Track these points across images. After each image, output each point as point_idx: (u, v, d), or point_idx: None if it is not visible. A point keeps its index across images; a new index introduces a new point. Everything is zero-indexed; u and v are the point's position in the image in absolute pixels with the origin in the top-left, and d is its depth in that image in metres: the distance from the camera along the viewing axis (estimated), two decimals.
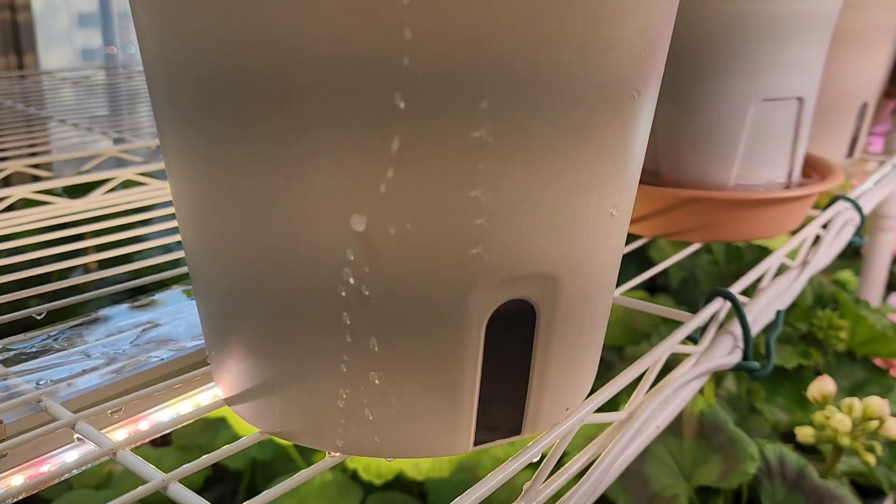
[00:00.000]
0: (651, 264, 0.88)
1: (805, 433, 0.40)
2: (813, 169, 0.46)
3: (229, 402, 0.23)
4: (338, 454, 0.22)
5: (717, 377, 0.60)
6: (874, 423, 0.39)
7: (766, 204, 0.40)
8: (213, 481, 0.56)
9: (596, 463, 0.23)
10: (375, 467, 0.43)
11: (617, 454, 0.24)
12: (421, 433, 0.21)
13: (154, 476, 0.21)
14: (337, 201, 0.18)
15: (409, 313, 0.19)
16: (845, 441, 0.39)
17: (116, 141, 0.60)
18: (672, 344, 0.29)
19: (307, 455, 0.53)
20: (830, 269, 0.88)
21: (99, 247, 0.39)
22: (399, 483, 0.45)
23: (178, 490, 0.20)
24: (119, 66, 1.09)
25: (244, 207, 0.19)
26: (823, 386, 0.41)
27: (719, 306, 0.33)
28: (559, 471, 0.23)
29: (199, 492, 0.58)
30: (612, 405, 0.28)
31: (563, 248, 0.20)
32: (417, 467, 0.43)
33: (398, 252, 0.18)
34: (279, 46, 0.16)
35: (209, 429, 0.58)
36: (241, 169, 0.18)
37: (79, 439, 0.23)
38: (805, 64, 0.40)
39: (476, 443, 0.21)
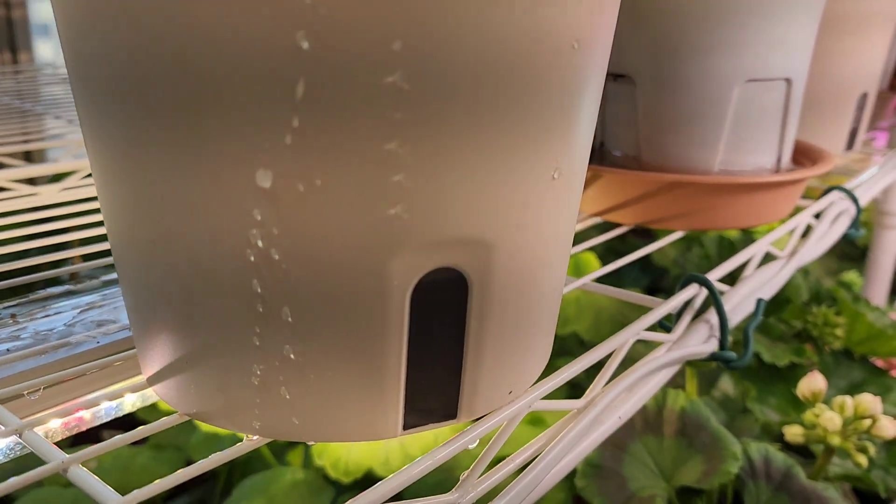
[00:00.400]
0: (654, 268, 0.86)
1: (793, 432, 0.38)
2: (805, 157, 0.44)
3: (150, 382, 0.22)
4: (255, 438, 0.20)
5: (712, 377, 0.57)
6: (866, 422, 0.37)
7: (752, 189, 0.38)
8: (187, 482, 0.54)
9: (542, 454, 0.22)
10: (343, 465, 0.41)
11: (568, 445, 0.22)
12: (343, 415, 0.19)
13: (56, 457, 0.19)
14: (240, 155, 0.16)
15: (323, 280, 0.17)
16: (835, 440, 0.37)
17: None
18: (639, 329, 0.27)
19: (282, 454, 0.51)
20: (835, 270, 0.85)
21: (55, 231, 0.37)
22: (371, 482, 0.43)
23: (79, 473, 0.19)
24: None
25: (148, 168, 0.17)
26: (813, 382, 0.39)
27: (694, 293, 0.31)
28: (503, 462, 0.21)
29: (173, 494, 0.56)
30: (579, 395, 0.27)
31: (494, 212, 0.18)
32: (387, 465, 0.42)
33: (309, 211, 0.17)
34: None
35: (186, 428, 0.56)
36: (143, 130, 0.17)
37: None
38: (793, 43, 0.38)
39: (406, 427, 0.20)
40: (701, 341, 0.30)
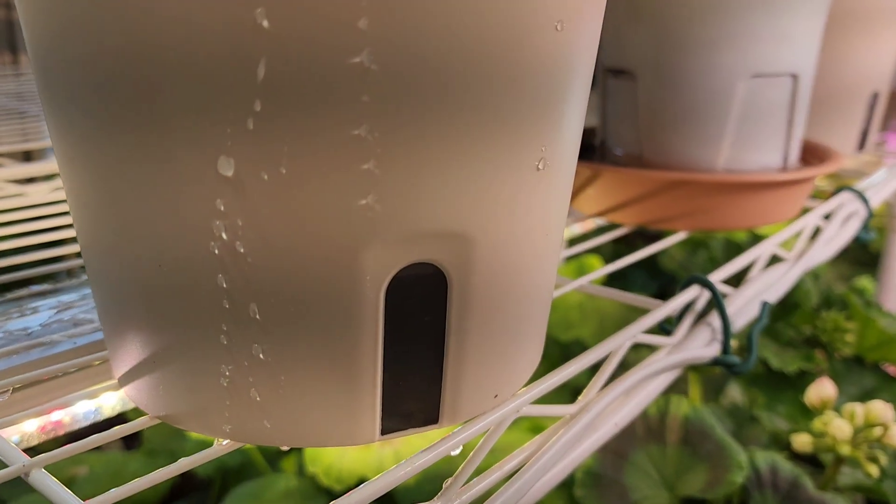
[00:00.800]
0: (662, 273, 0.84)
1: (802, 441, 0.37)
2: (813, 156, 0.43)
3: (121, 383, 0.21)
4: (226, 442, 0.19)
5: (719, 385, 0.56)
6: (878, 431, 0.36)
7: (757, 188, 0.36)
8: (179, 489, 0.54)
9: (531, 461, 0.20)
10: (336, 472, 0.40)
11: (559, 452, 0.21)
12: (316, 418, 0.18)
13: (17, 460, 0.18)
14: (201, 141, 0.15)
15: (291, 275, 0.16)
16: (845, 449, 0.35)
17: None
18: (636, 331, 0.26)
19: (275, 461, 0.50)
20: (847, 276, 0.84)
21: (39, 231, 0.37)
22: None
23: (40, 477, 0.18)
24: None
25: (108, 160, 0.16)
26: (822, 389, 0.38)
27: (696, 294, 0.30)
28: (490, 469, 0.20)
29: (165, 501, 0.55)
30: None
31: (473, 204, 0.17)
32: (381, 472, 0.40)
33: (274, 201, 0.16)
34: None
35: (180, 434, 0.55)
36: (101, 119, 0.16)
37: None
38: (799, 37, 0.37)
39: (384, 431, 0.19)
40: (703, 345, 0.29)
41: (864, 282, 0.80)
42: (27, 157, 0.67)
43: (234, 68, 0.14)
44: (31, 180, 0.45)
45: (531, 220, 0.19)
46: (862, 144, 0.57)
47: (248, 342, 0.17)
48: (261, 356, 0.17)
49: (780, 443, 0.43)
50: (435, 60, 0.15)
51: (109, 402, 0.26)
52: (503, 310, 0.19)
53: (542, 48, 0.17)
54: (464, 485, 0.19)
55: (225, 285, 0.17)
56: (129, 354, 0.19)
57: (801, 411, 0.45)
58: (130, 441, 0.63)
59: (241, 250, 0.16)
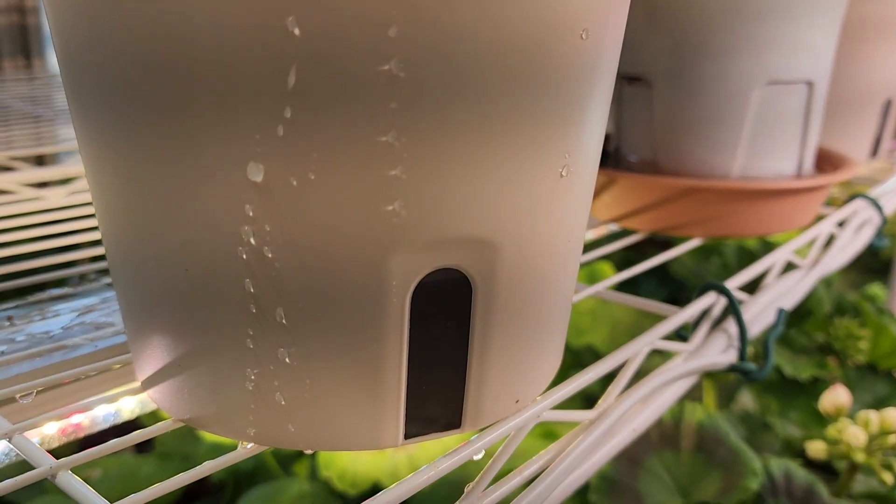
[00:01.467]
0: (672, 280, 0.84)
1: (816, 448, 0.37)
2: (828, 164, 0.43)
3: (144, 386, 0.21)
4: (250, 445, 0.19)
5: (731, 391, 0.56)
6: (892, 438, 0.35)
7: (772, 195, 0.36)
8: (192, 492, 0.54)
9: (551, 466, 0.20)
10: (350, 477, 0.40)
11: (579, 457, 0.21)
12: (341, 422, 0.18)
13: (44, 462, 0.18)
14: (231, 147, 0.15)
15: (318, 280, 0.16)
16: (860, 457, 0.35)
17: None
18: (654, 338, 0.26)
19: (288, 465, 0.50)
20: (858, 283, 0.83)
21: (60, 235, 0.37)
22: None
23: (67, 479, 0.18)
24: None
25: (138, 166, 0.17)
26: (836, 397, 0.38)
27: (712, 301, 0.30)
28: (510, 473, 0.20)
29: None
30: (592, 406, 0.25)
31: (498, 210, 0.17)
32: (395, 476, 0.41)
33: (302, 206, 0.16)
34: None
35: (193, 437, 0.55)
36: (131, 126, 0.16)
37: None
38: (814, 44, 0.37)
39: (407, 436, 0.19)
40: (719, 352, 0.29)
41: (876, 289, 0.80)
42: (40, 161, 0.68)
43: (264, 75, 0.15)
44: (44, 185, 0.45)
45: (554, 226, 0.19)
46: (875, 151, 0.57)
47: (274, 346, 0.17)
48: (287, 360, 0.17)
49: (793, 449, 0.43)
50: (462, 68, 0.15)
51: (128, 405, 0.27)
52: (526, 315, 0.19)
53: (568, 56, 0.17)
54: (485, 489, 0.19)
55: (252, 290, 0.17)
56: (154, 358, 0.20)
57: (813, 418, 0.45)
58: (142, 444, 0.64)
59: (269, 255, 0.16)
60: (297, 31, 0.14)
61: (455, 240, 0.17)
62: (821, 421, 0.45)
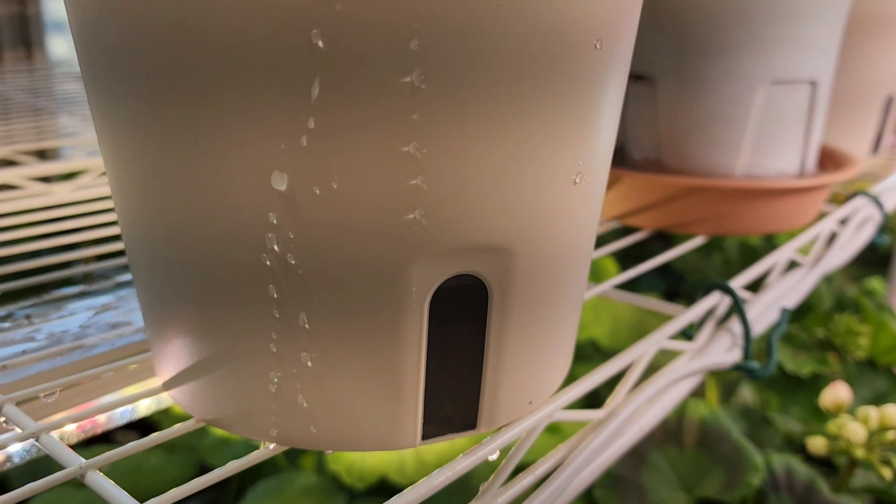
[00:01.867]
0: (672, 272, 0.85)
1: (817, 444, 0.37)
2: (830, 162, 0.44)
3: (166, 386, 0.22)
4: (272, 445, 0.20)
5: (731, 387, 0.57)
6: (891, 434, 0.36)
7: (775, 194, 0.37)
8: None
9: (563, 464, 0.21)
10: (358, 471, 0.41)
11: (589, 456, 0.22)
12: (361, 423, 0.19)
13: (72, 462, 0.19)
14: (255, 156, 0.16)
15: (340, 286, 0.17)
16: (859, 453, 0.36)
17: None
18: (660, 338, 0.26)
19: (294, 458, 0.51)
20: (858, 276, 0.84)
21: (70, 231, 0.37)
22: (384, 488, 0.42)
23: (96, 479, 0.18)
24: None
25: (163, 170, 0.17)
26: (837, 393, 0.38)
27: (717, 301, 0.30)
28: (523, 472, 0.21)
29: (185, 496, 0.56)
30: (596, 404, 0.26)
31: (515, 218, 0.17)
32: (402, 471, 0.41)
33: (325, 215, 0.16)
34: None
35: (199, 430, 0.56)
36: (157, 131, 0.17)
37: (5, 423, 0.22)
38: (818, 44, 0.37)
39: (425, 436, 0.19)
40: (724, 351, 0.29)
41: (875, 283, 0.80)
42: (41, 155, 0.68)
43: (289, 87, 0.15)
44: (45, 179, 0.45)
45: (568, 231, 0.19)
46: (876, 147, 0.57)
47: (297, 350, 0.18)
48: (309, 364, 0.18)
49: (794, 444, 0.43)
50: (481, 80, 0.16)
51: (144, 402, 0.27)
52: (540, 318, 0.19)
53: (582, 65, 0.17)
54: (500, 486, 0.20)
55: (275, 295, 0.17)
56: (176, 359, 0.20)
57: (813, 414, 0.45)
58: (146, 433, 0.64)
59: (293, 262, 0.17)
60: (320, 44, 0.15)
61: (473, 247, 0.17)
62: (821, 416, 0.45)
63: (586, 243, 0.21)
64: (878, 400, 0.48)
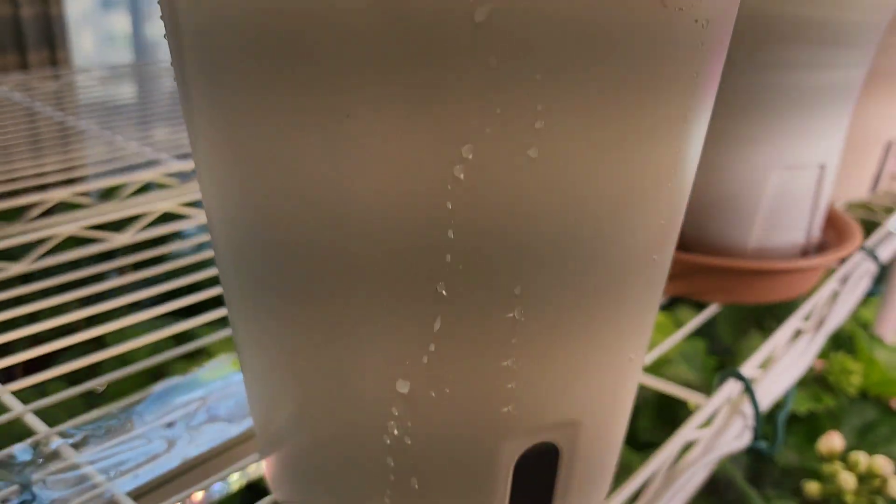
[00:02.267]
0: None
1: (812, 489, 0.42)
2: (831, 226, 0.48)
3: None
4: None
5: None
6: (878, 482, 0.41)
7: (784, 273, 0.41)
8: None
9: None
10: None
11: None
12: None
13: None
14: (384, 370, 0.20)
15: (446, 459, 0.21)
16: (850, 499, 0.41)
17: (152, 163, 0.62)
18: (680, 441, 0.31)
19: None
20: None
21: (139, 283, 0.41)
22: None
23: None
24: (152, 61, 1.10)
25: (302, 371, 0.21)
26: (831, 442, 0.43)
27: (733, 389, 0.34)
28: None
29: None
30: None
31: (584, 398, 0.22)
32: None
33: (437, 410, 0.20)
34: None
35: None
36: (297, 331, 0.20)
37: None
38: (828, 132, 0.41)
39: None
40: (736, 435, 0.34)
41: (867, 313, 0.84)
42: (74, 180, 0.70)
43: (415, 324, 0.19)
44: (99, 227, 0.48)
45: (621, 400, 0.23)
46: (874, 187, 0.61)
47: None
48: None
49: (791, 478, 0.48)
50: (566, 310, 0.20)
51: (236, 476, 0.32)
52: (596, 469, 0.24)
53: (643, 277, 0.21)
54: None
55: (392, 464, 0.21)
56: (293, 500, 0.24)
57: (809, 449, 0.50)
58: None
59: (408, 442, 0.21)
60: (444, 293, 0.19)
61: (552, 424, 0.21)
62: (815, 453, 0.50)
63: (630, 404, 0.25)
64: (867, 428, 0.53)
